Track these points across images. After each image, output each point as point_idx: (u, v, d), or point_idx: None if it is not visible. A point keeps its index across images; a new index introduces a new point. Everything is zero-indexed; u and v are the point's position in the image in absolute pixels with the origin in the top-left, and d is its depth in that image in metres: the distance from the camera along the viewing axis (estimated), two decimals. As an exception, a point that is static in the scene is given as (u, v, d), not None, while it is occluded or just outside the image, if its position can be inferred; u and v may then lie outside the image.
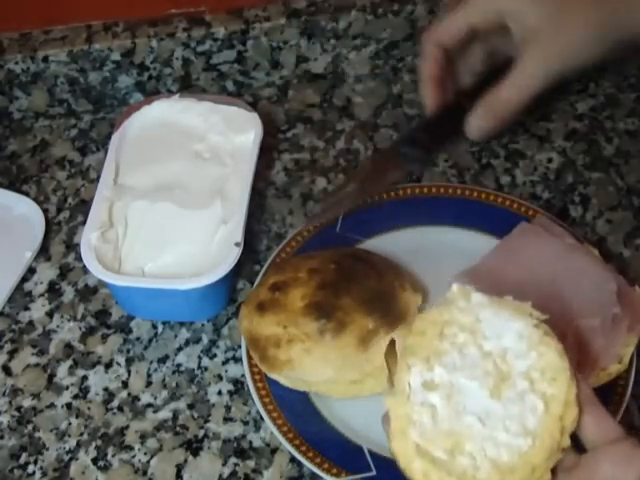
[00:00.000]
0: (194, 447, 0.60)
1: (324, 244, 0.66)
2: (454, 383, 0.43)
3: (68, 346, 0.66)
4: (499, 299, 0.46)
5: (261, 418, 0.60)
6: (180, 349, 0.65)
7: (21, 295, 0.69)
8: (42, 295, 0.69)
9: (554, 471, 0.43)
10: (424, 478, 0.42)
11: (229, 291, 0.67)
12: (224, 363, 0.64)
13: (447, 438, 0.42)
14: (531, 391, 0.43)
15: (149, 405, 0.62)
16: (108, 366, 0.65)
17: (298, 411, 0.59)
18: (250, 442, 0.60)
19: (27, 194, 0.75)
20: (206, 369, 0.64)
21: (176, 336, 0.66)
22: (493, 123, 0.65)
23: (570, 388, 0.43)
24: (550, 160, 0.75)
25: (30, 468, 0.60)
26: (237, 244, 0.62)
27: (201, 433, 0.61)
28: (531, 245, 0.62)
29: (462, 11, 0.65)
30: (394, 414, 0.43)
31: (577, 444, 0.45)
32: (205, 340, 0.65)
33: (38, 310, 0.68)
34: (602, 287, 0.59)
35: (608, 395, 0.57)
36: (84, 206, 0.73)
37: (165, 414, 0.62)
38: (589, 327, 0.57)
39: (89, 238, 0.62)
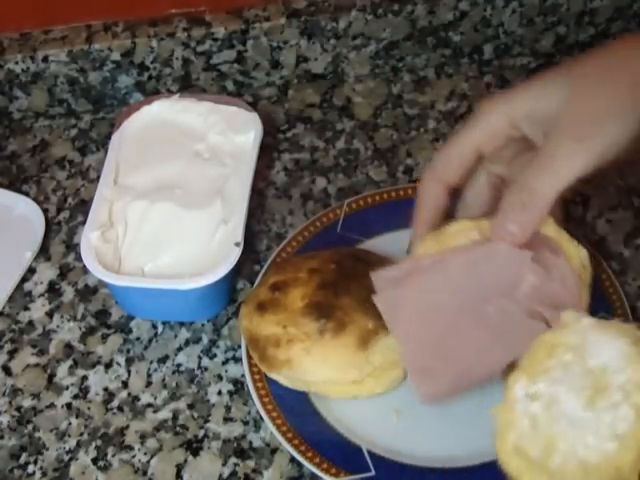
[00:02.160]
0: (194, 447, 0.60)
1: (324, 244, 0.66)
2: (554, 394, 0.48)
3: (68, 346, 0.66)
4: (606, 321, 0.50)
5: (261, 418, 0.60)
6: (180, 349, 0.65)
7: (21, 295, 0.69)
8: (42, 295, 0.69)
9: None
10: (518, 474, 0.47)
11: (229, 291, 0.67)
12: (224, 363, 0.64)
13: (542, 440, 0.47)
14: (625, 402, 0.47)
15: (149, 405, 0.63)
16: (108, 366, 0.65)
17: (298, 411, 0.59)
18: (250, 442, 0.60)
19: (27, 194, 0.75)
20: (206, 369, 0.64)
21: (176, 336, 0.66)
22: (531, 224, 0.52)
23: None
24: (550, 160, 0.75)
25: (30, 468, 0.60)
26: (237, 244, 0.62)
27: (201, 433, 0.61)
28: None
29: (463, 133, 0.55)
30: (499, 419, 0.49)
31: None
32: (205, 340, 0.65)
33: (38, 310, 0.68)
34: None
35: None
36: (84, 206, 0.74)
37: (165, 414, 0.62)
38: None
39: (89, 238, 0.62)
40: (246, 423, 0.61)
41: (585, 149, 0.50)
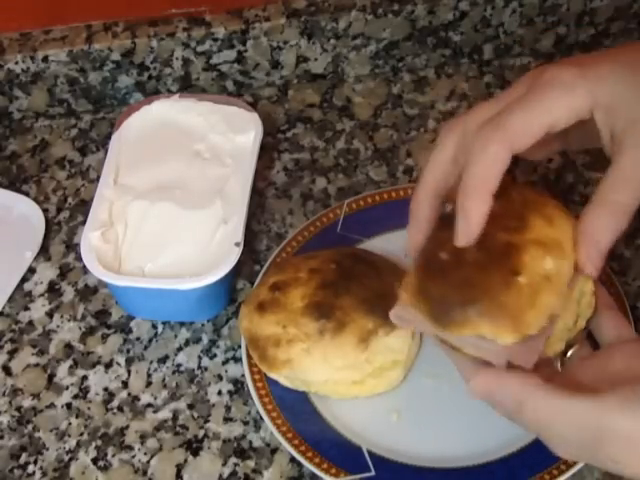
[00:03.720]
0: (194, 447, 0.60)
1: (324, 244, 0.66)
2: None
3: (68, 346, 0.66)
4: None
5: (261, 418, 0.60)
6: (180, 349, 0.65)
7: (21, 295, 0.69)
8: (42, 295, 0.69)
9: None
10: None
11: (229, 291, 0.67)
12: (224, 363, 0.64)
13: None
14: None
15: (149, 405, 0.63)
16: (108, 366, 0.65)
17: (297, 411, 0.59)
18: (250, 442, 0.60)
19: (27, 194, 0.75)
20: (206, 369, 0.64)
21: (176, 336, 0.66)
22: (600, 261, 0.47)
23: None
24: (550, 160, 0.75)
25: (30, 468, 0.60)
26: (237, 244, 0.62)
27: (201, 433, 0.61)
28: None
29: (539, 109, 0.45)
30: None
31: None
32: (205, 340, 0.65)
33: (38, 310, 0.68)
34: None
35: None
36: (84, 206, 0.74)
37: (165, 414, 0.62)
38: None
39: (89, 238, 0.62)
40: (246, 423, 0.61)
41: None
